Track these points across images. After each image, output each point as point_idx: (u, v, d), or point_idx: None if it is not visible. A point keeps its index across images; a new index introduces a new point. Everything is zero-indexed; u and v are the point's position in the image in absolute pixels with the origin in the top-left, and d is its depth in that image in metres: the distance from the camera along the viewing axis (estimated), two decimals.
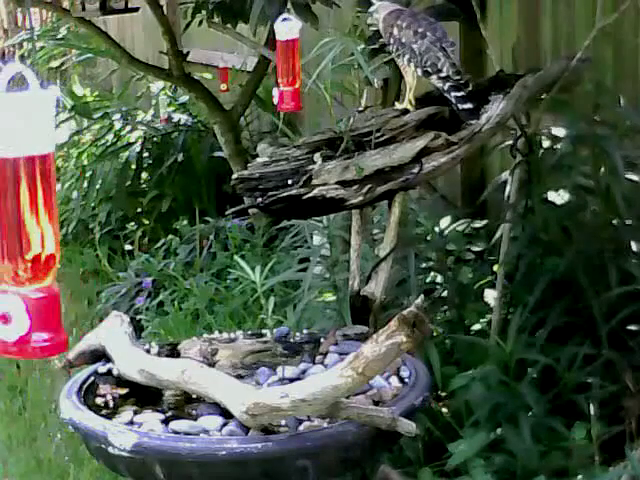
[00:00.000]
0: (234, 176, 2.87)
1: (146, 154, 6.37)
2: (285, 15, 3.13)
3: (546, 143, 3.51)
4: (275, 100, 3.23)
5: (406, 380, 2.54)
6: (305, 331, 2.88)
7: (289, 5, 3.40)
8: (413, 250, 3.50)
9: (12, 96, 1.32)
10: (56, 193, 1.37)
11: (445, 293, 3.59)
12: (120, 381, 2.56)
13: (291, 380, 2.52)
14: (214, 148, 5.98)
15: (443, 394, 3.26)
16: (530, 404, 3.06)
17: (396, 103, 3.06)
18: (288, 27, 3.12)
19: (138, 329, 4.29)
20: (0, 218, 1.35)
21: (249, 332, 2.88)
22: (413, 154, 2.84)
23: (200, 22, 5.01)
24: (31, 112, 1.33)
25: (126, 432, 2.28)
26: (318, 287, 3.65)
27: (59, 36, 7.13)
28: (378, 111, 3.15)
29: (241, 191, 2.88)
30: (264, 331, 2.83)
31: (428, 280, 3.63)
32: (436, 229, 3.70)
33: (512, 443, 3.03)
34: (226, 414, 2.31)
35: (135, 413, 2.43)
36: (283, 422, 2.29)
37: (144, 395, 2.52)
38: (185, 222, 5.50)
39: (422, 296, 2.23)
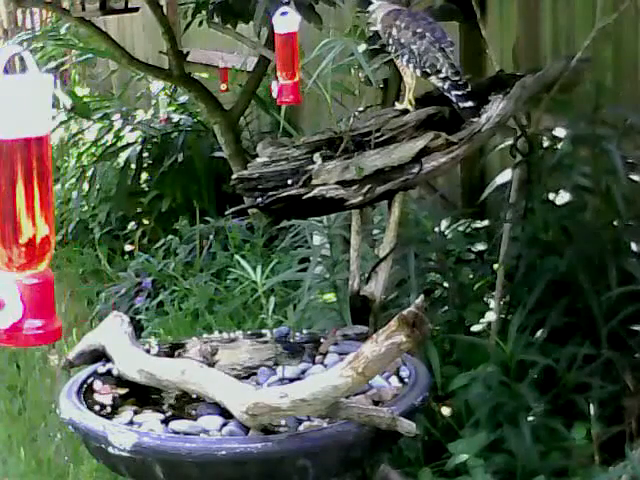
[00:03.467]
0: (234, 176, 2.87)
1: (146, 154, 6.37)
2: (284, 9, 3.13)
3: (546, 143, 3.51)
4: (274, 94, 3.23)
5: (406, 380, 2.54)
6: (305, 331, 2.88)
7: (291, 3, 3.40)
8: (413, 250, 3.50)
9: (8, 78, 1.30)
10: (52, 177, 1.35)
11: (445, 293, 3.59)
12: (120, 381, 2.57)
13: (291, 380, 2.52)
14: (214, 148, 5.98)
15: (443, 394, 3.26)
16: (530, 404, 3.06)
17: (396, 103, 3.06)
18: (287, 20, 3.12)
19: (138, 329, 4.29)
20: None
21: (249, 332, 2.88)
22: (413, 154, 2.84)
23: (200, 22, 5.00)
24: (27, 94, 1.31)
25: (126, 432, 2.28)
26: (318, 287, 3.65)
27: (59, 36, 7.13)
28: (378, 111, 3.15)
29: (241, 191, 2.87)
30: (264, 331, 2.83)
31: (428, 280, 3.62)
32: (436, 229, 3.69)
33: (512, 443, 3.03)
34: (226, 414, 2.31)
35: (135, 413, 2.43)
36: (283, 422, 2.29)
37: (144, 395, 2.52)
38: (185, 222, 5.50)
39: (422, 296, 2.23)
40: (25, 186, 1.32)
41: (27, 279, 1.34)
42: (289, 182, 2.79)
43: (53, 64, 7.61)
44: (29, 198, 1.32)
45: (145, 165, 6.37)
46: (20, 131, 1.31)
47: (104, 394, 2.53)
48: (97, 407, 2.47)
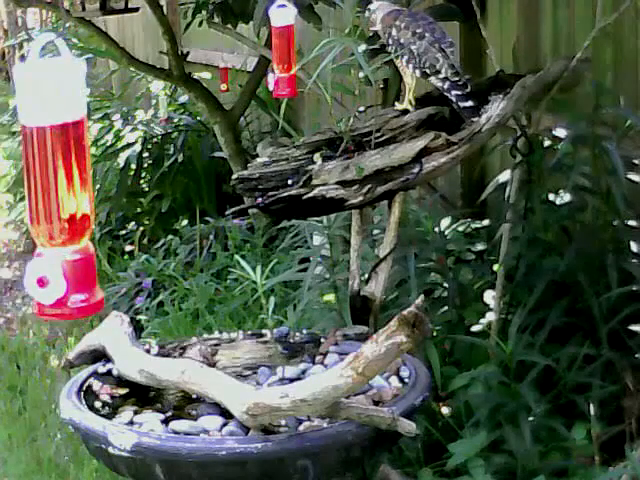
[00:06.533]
0: (234, 176, 2.87)
1: (146, 154, 6.37)
2: (280, 2, 3.12)
3: (546, 143, 3.51)
4: (270, 86, 3.22)
5: (406, 380, 2.54)
6: (305, 331, 2.88)
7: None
8: (413, 250, 3.50)
9: (45, 62, 1.34)
10: (89, 155, 1.40)
11: (445, 293, 3.59)
12: (120, 381, 2.57)
13: (291, 380, 2.52)
14: (214, 148, 5.98)
15: (443, 394, 3.26)
16: (530, 404, 3.06)
17: (396, 103, 3.06)
18: (283, 13, 3.11)
19: (138, 329, 4.29)
20: (37, 182, 1.37)
21: (249, 332, 2.88)
22: (413, 154, 2.84)
23: (200, 22, 5.01)
24: (63, 79, 1.35)
25: (126, 432, 2.28)
26: (318, 287, 3.65)
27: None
28: (378, 111, 3.15)
29: (241, 191, 2.87)
30: (264, 331, 2.83)
31: (428, 280, 3.62)
32: (436, 229, 3.69)
33: (512, 443, 3.03)
34: (226, 414, 2.31)
35: (135, 413, 2.43)
36: (283, 422, 2.29)
37: (144, 395, 2.52)
38: (185, 222, 5.50)
39: (422, 296, 2.23)
40: (65, 165, 1.37)
41: (70, 255, 1.39)
42: (289, 182, 2.79)
43: None
44: (69, 175, 1.38)
45: (145, 165, 6.38)
46: (58, 116, 1.35)
47: (104, 394, 2.53)
48: (97, 407, 2.47)
